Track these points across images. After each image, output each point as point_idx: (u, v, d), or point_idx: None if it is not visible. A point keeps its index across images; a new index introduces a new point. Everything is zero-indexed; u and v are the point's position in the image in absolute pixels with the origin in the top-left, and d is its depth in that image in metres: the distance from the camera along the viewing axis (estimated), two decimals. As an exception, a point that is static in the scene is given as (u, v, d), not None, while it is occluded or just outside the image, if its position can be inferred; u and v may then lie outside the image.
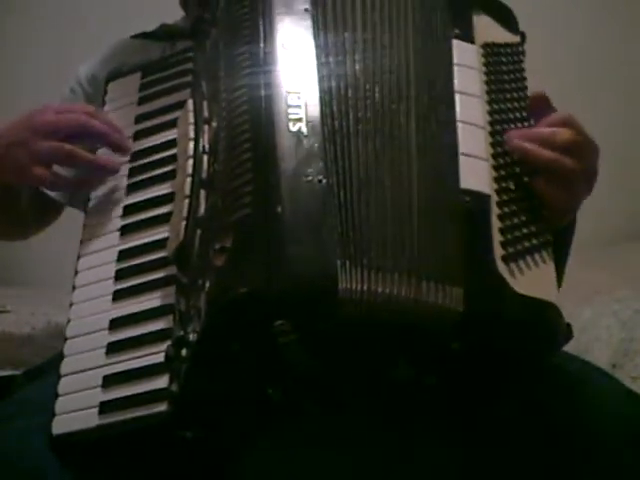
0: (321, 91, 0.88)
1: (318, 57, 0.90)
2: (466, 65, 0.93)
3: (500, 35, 0.97)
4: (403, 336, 0.83)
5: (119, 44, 1.29)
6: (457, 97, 0.91)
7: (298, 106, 0.86)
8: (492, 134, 0.90)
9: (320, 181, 0.82)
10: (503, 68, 0.95)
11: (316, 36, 0.91)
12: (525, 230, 0.86)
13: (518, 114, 0.92)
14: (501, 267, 0.84)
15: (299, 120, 0.85)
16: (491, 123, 0.91)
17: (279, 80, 0.88)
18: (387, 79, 0.90)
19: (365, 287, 0.80)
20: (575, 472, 0.90)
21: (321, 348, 0.82)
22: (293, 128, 0.84)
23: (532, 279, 0.84)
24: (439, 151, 0.88)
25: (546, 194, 0.88)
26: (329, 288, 0.79)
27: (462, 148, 0.88)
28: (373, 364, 0.85)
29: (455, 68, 0.92)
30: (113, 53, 1.28)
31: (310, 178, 0.82)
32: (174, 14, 1.30)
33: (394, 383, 0.85)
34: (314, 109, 0.86)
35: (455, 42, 0.94)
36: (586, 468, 0.90)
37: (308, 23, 0.92)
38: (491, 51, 0.95)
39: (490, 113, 0.91)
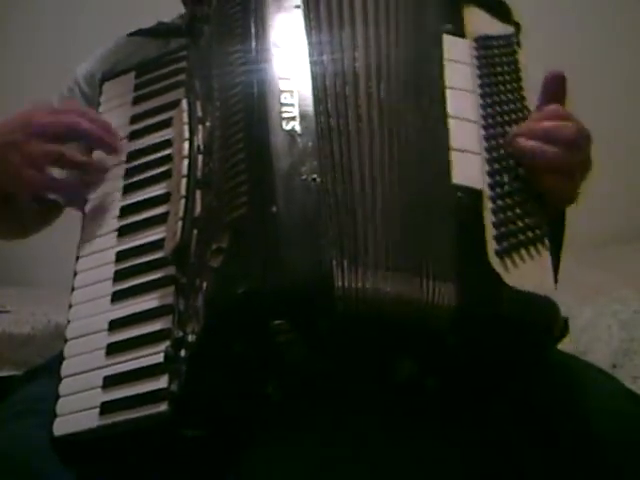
0: (315, 89, 0.88)
1: (311, 55, 0.90)
2: (457, 60, 0.93)
3: (492, 27, 0.97)
4: (401, 334, 0.83)
5: (116, 42, 1.29)
6: (448, 92, 0.91)
7: (291, 104, 0.86)
8: (486, 127, 0.90)
9: (314, 180, 0.82)
10: (496, 60, 0.95)
11: (308, 33, 0.91)
12: (520, 223, 0.86)
13: (512, 105, 0.92)
14: (495, 262, 0.83)
15: (292, 119, 0.85)
16: (484, 117, 0.91)
17: (272, 78, 0.87)
18: (393, 77, 0.91)
19: (361, 285, 0.80)
20: (575, 472, 0.90)
21: (320, 346, 0.82)
22: (286, 127, 0.84)
23: (527, 272, 0.84)
24: (431, 147, 0.88)
25: (548, 186, 0.88)
26: (325, 287, 0.79)
27: (454, 143, 0.88)
28: (373, 362, 0.85)
29: (446, 63, 0.92)
30: (110, 51, 1.28)
31: (305, 177, 0.82)
32: (174, 13, 1.30)
33: (395, 382, 0.86)
34: (308, 107, 0.86)
35: (446, 37, 0.94)
36: (586, 468, 0.90)
37: (300, 21, 0.92)
38: (483, 44, 0.95)
39: (484, 107, 0.91)
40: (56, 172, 1.02)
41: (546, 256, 0.86)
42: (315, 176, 0.82)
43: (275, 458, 0.91)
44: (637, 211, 2.25)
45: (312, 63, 0.89)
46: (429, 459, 0.92)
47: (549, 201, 0.88)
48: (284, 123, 0.84)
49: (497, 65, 0.94)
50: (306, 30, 0.91)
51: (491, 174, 0.87)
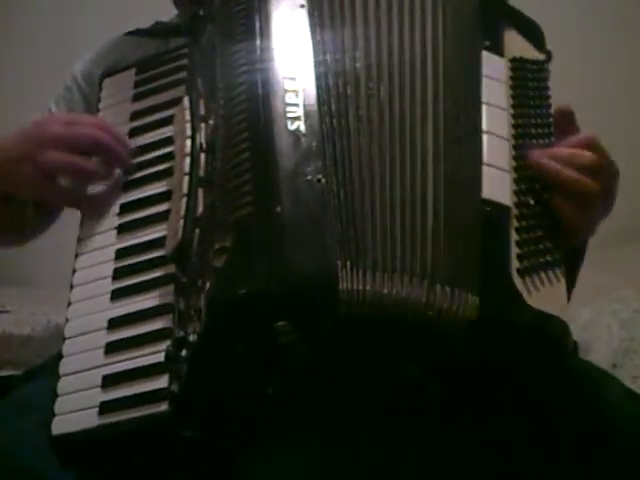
0: (319, 89, 0.87)
1: (315, 54, 0.90)
2: (494, 77, 0.94)
3: (527, 52, 0.98)
4: (411, 338, 0.83)
5: (114, 41, 1.29)
6: (484, 108, 0.91)
7: (296, 104, 0.86)
8: (515, 147, 0.91)
9: (319, 180, 0.82)
10: (529, 84, 0.96)
11: (313, 32, 0.91)
12: (541, 246, 0.87)
13: (540, 130, 0.93)
14: (516, 279, 0.84)
15: (297, 119, 0.85)
16: (514, 136, 0.91)
17: (276, 78, 0.87)
18: (396, 78, 0.90)
19: (368, 287, 0.80)
20: (575, 473, 0.90)
21: (324, 348, 0.82)
22: (291, 127, 0.84)
23: (544, 295, 0.85)
24: (462, 158, 0.88)
25: (563, 211, 0.88)
26: (329, 288, 0.78)
27: (486, 158, 0.89)
28: (377, 364, 0.85)
29: (483, 79, 0.93)
30: (108, 50, 1.28)
31: (309, 177, 0.82)
32: (173, 13, 1.30)
33: (397, 383, 0.85)
34: (312, 107, 0.86)
35: (485, 54, 0.95)
36: (586, 468, 0.90)
37: (304, 19, 0.92)
38: (518, 66, 0.96)
39: (514, 126, 0.92)
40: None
41: (562, 281, 0.87)
42: (320, 176, 0.82)
43: (275, 458, 0.91)
44: (637, 211, 2.25)
45: (317, 63, 0.89)
46: (430, 459, 0.91)
47: (566, 228, 0.89)
48: (289, 123, 0.84)
49: (529, 88, 0.95)
50: (311, 29, 0.91)
51: (517, 193, 0.88)
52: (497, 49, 0.96)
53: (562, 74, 1.01)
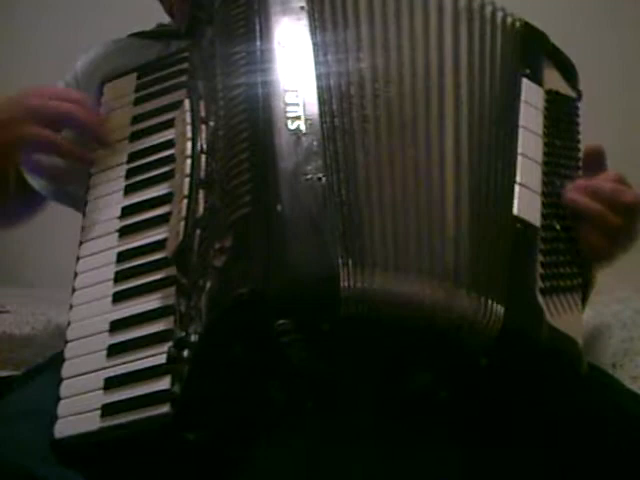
0: (319, 89, 0.87)
1: (315, 55, 0.90)
2: (531, 104, 0.96)
3: (562, 87, 1.01)
4: (417, 337, 0.83)
5: (117, 42, 1.29)
6: (520, 131, 0.93)
7: (296, 104, 0.86)
8: (545, 173, 0.93)
9: (319, 179, 0.82)
10: (561, 117, 0.98)
11: (313, 33, 0.91)
12: (562, 270, 0.89)
13: (569, 162, 0.96)
14: (539, 297, 0.85)
15: (297, 118, 0.85)
16: (545, 163, 0.93)
17: (276, 78, 0.87)
18: (407, 79, 0.91)
19: (369, 285, 0.80)
20: (577, 472, 0.90)
21: (326, 347, 0.82)
22: (291, 126, 0.84)
23: (563, 317, 0.86)
24: (494, 172, 0.90)
25: (588, 240, 0.90)
26: (330, 286, 0.78)
27: (519, 178, 0.90)
28: (383, 367, 0.85)
29: (522, 104, 0.95)
30: (111, 51, 1.27)
31: (309, 176, 0.82)
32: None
33: (407, 390, 0.86)
34: (312, 107, 0.86)
35: (525, 80, 0.97)
36: (588, 468, 0.90)
37: (304, 21, 0.92)
38: (553, 98, 0.99)
39: (545, 153, 0.94)
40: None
41: (580, 308, 0.88)
42: (320, 175, 0.82)
43: (275, 458, 0.91)
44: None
45: (317, 63, 0.89)
46: (431, 460, 0.91)
47: (587, 256, 0.91)
48: (289, 122, 0.84)
49: (561, 121, 0.98)
50: (311, 30, 0.92)
51: (544, 216, 0.90)
52: (537, 78, 0.98)
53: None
